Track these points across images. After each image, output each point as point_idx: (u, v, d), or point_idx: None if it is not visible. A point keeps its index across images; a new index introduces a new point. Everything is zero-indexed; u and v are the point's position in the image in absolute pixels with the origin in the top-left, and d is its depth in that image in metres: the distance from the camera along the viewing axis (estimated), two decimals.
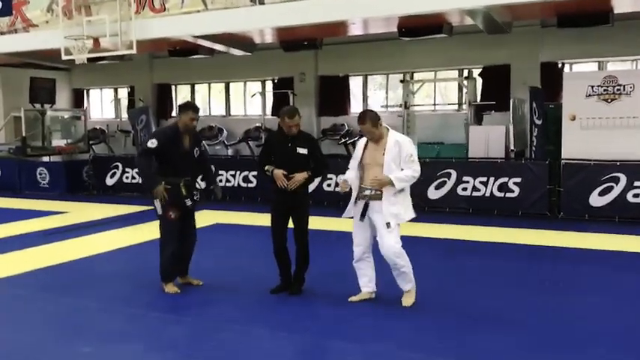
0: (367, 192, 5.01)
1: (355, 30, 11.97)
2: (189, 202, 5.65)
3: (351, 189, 5.17)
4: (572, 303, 5.35)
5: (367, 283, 5.29)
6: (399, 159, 4.91)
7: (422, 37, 11.19)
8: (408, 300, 5.08)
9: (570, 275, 6.36)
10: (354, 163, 5.20)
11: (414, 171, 4.94)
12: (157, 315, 5.15)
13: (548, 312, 5.08)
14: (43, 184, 13.78)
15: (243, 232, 8.77)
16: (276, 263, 5.62)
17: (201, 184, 5.95)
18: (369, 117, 5.03)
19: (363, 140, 5.20)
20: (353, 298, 5.28)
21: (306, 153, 5.42)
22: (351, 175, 5.12)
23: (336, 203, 10.56)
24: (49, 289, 6.03)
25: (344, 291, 5.48)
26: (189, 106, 5.74)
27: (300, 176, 5.30)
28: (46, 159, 14.65)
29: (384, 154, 4.94)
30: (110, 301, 5.53)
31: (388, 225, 4.94)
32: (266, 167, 5.45)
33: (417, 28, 10.84)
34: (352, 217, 5.23)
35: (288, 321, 4.96)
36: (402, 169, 4.94)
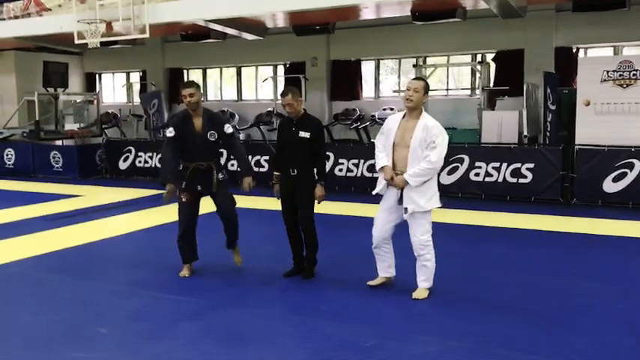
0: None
1: (368, 14, 11.91)
2: (200, 188, 5.62)
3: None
4: (589, 290, 5.31)
5: (386, 268, 5.27)
6: (425, 143, 4.85)
7: (435, 21, 11.11)
8: (419, 294, 5.01)
9: (585, 262, 6.33)
10: (383, 141, 5.07)
11: (428, 162, 4.80)
12: (171, 297, 5.19)
13: (563, 299, 5.06)
14: (57, 167, 13.87)
15: (256, 216, 8.79)
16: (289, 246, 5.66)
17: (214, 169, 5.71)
18: (424, 82, 5.03)
19: (395, 118, 5.08)
20: (371, 283, 5.27)
21: (308, 137, 5.40)
22: (385, 160, 5.01)
23: (348, 188, 10.66)
24: (66, 271, 6.10)
25: (358, 275, 5.51)
26: (181, 85, 5.69)
27: (319, 192, 5.38)
28: (58, 143, 14.75)
29: (412, 137, 4.87)
30: (126, 284, 5.59)
31: (406, 210, 4.92)
32: (275, 174, 5.59)
33: (431, 12, 10.77)
34: (381, 197, 5.16)
35: (302, 304, 5.00)
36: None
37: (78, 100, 16.71)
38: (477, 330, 4.36)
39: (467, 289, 5.33)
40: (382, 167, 5.01)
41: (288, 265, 5.72)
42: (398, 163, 4.96)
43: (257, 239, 7.25)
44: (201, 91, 5.76)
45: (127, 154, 13.59)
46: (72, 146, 14.46)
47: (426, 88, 4.97)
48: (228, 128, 5.63)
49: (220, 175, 5.61)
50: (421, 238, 4.96)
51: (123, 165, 13.60)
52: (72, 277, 5.87)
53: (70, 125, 15.75)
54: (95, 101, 16.23)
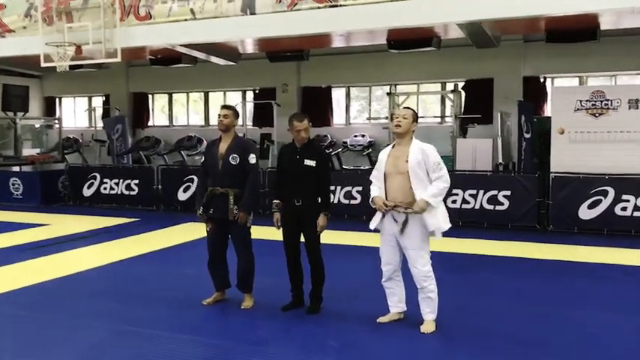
0: (402, 210, 4.85)
1: (340, 42, 11.93)
2: (212, 211, 5.46)
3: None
4: (589, 318, 5.31)
5: (397, 303, 5.14)
6: (424, 166, 4.80)
7: (411, 50, 11.22)
8: (428, 327, 4.92)
9: (576, 290, 6.35)
10: (376, 175, 5.05)
11: (444, 181, 4.79)
12: (166, 334, 4.90)
13: (568, 329, 5.04)
14: (17, 194, 13.28)
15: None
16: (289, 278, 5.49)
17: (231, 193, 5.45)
18: (413, 111, 5.05)
19: (385, 151, 5.07)
20: (382, 319, 5.11)
21: (314, 165, 5.27)
22: (376, 191, 4.99)
23: (341, 216, 10.48)
24: (45, 307, 5.72)
25: (361, 307, 5.39)
26: (220, 107, 5.66)
27: (322, 222, 5.25)
28: (17, 169, 14.17)
29: (407, 161, 4.82)
30: (113, 321, 5.28)
31: (433, 233, 4.82)
32: (275, 202, 5.40)
33: (407, 40, 10.86)
34: (378, 231, 5.08)
35: (308, 340, 4.80)
36: (430, 181, 4.83)
37: (37, 125, 16.14)
38: None
39: (469, 320, 5.25)
40: (373, 198, 4.97)
41: (285, 298, 5.53)
42: (390, 192, 4.90)
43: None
44: (238, 118, 5.66)
45: (91, 181, 13.15)
46: (32, 172, 13.91)
47: (415, 117, 4.99)
48: (253, 158, 5.46)
49: (235, 210, 5.36)
50: (423, 269, 4.88)
51: (87, 192, 13.15)
52: (52, 315, 5.49)
53: (29, 150, 15.19)
54: (57, 126, 15.70)
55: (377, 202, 4.94)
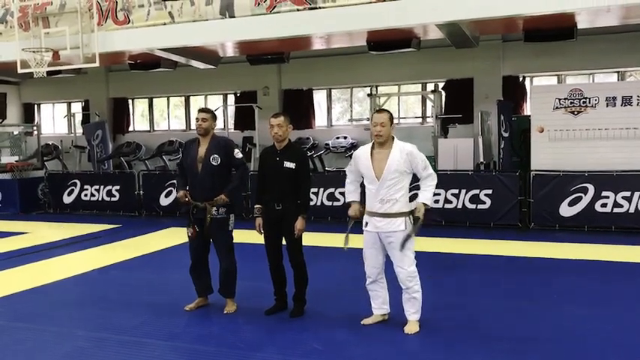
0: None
1: (323, 43, 11.93)
2: (196, 227, 5.43)
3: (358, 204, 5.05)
4: (574, 315, 5.34)
5: (381, 305, 5.11)
6: (403, 168, 4.77)
7: (391, 51, 11.25)
8: (411, 328, 4.91)
9: (546, 286, 6.39)
10: (352, 178, 5.05)
11: (433, 178, 4.83)
12: (151, 342, 4.85)
13: (555, 325, 5.06)
14: None
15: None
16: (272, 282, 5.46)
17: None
18: (388, 113, 4.98)
19: (364, 156, 4.98)
20: (366, 321, 5.08)
21: (294, 167, 5.24)
22: (355, 197, 4.98)
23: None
24: (30, 318, 5.61)
25: (344, 309, 5.38)
26: (198, 110, 5.59)
27: (299, 225, 5.19)
28: None
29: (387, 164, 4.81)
30: (100, 329, 5.20)
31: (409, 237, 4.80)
32: (256, 206, 5.36)
33: (387, 42, 10.89)
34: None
35: (293, 344, 4.76)
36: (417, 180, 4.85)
37: (15, 132, 15.93)
38: None
39: (452, 319, 5.25)
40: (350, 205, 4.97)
41: (268, 302, 5.50)
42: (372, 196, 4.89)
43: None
44: (216, 121, 5.62)
45: (71, 188, 13.02)
46: (11, 180, 13.70)
47: (391, 119, 4.93)
48: (238, 153, 5.45)
49: (214, 211, 5.35)
50: (409, 269, 4.87)
51: (67, 199, 13.02)
52: (33, 324, 5.40)
53: (7, 158, 14.97)
54: (35, 133, 15.50)
55: (353, 209, 4.96)
